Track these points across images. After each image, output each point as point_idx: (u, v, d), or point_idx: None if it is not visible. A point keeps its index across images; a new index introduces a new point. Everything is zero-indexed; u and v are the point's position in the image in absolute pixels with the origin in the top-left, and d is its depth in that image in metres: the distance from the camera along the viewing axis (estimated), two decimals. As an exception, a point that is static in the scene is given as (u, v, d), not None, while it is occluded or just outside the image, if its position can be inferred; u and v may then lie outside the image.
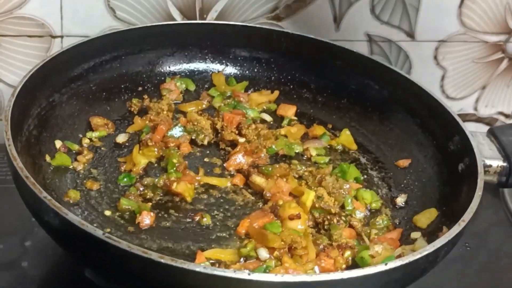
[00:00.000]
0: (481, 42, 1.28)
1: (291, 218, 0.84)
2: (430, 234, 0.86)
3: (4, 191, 1.02)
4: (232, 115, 1.04)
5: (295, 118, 1.09)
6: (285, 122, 1.08)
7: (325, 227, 0.87)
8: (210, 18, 1.17)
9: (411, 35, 1.25)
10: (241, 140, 1.01)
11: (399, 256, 0.79)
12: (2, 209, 0.99)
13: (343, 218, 0.88)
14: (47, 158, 0.91)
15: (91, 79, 1.03)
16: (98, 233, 0.66)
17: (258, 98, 1.11)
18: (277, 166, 0.95)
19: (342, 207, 0.91)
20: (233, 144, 1.01)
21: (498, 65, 1.32)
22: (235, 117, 1.03)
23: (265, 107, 1.11)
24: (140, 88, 1.09)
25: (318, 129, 1.06)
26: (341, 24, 1.21)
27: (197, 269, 0.64)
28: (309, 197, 0.88)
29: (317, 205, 0.88)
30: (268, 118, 1.09)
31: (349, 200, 0.90)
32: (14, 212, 0.97)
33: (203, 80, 1.13)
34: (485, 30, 1.27)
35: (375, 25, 1.23)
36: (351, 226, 0.88)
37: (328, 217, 0.87)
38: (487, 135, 0.94)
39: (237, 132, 1.03)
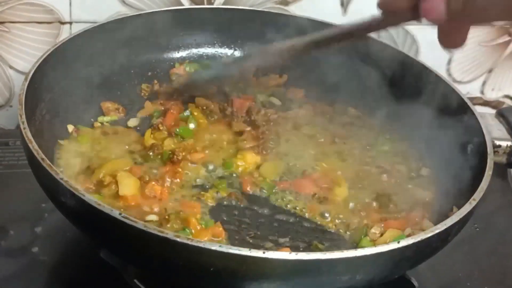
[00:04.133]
0: (487, 25, 1.28)
1: None
2: (440, 214, 0.87)
3: (14, 176, 1.03)
4: (242, 100, 1.04)
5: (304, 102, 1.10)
6: (293, 105, 1.09)
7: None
8: (218, 3, 1.17)
9: (418, 18, 1.25)
10: (247, 128, 1.01)
11: (409, 235, 0.80)
12: (13, 194, 1.00)
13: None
14: (60, 142, 0.92)
15: (101, 64, 1.03)
16: (115, 213, 0.67)
17: (267, 82, 1.11)
18: None
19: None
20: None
21: (504, 48, 1.32)
22: (244, 102, 1.04)
23: (274, 91, 1.11)
24: (149, 73, 1.09)
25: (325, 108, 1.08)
26: (348, 8, 1.21)
27: (213, 248, 0.65)
28: (343, 193, 0.90)
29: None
30: (277, 102, 1.09)
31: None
32: (25, 198, 0.98)
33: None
34: (492, 13, 1.27)
35: (382, 9, 1.23)
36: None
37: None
38: (496, 116, 0.95)
39: (247, 118, 1.03)
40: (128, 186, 0.86)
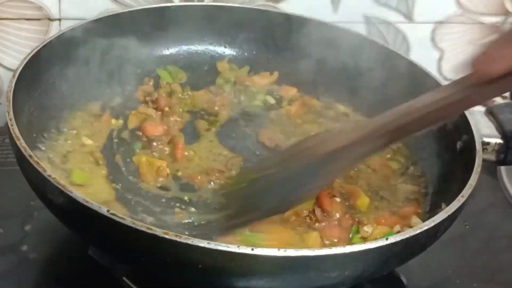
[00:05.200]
0: (478, 23, 1.29)
1: None
2: (429, 212, 0.87)
3: (3, 174, 1.03)
4: None
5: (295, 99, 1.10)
6: (284, 102, 1.09)
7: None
8: (208, 0, 1.17)
9: (408, 16, 1.25)
10: None
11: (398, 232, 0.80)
12: (2, 192, 1.00)
13: None
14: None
15: (90, 61, 1.02)
16: (103, 210, 0.67)
17: (260, 80, 1.12)
18: None
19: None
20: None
21: (495, 46, 1.32)
22: None
23: (268, 89, 1.12)
24: (139, 70, 1.09)
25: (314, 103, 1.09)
26: (339, 5, 1.21)
27: (201, 245, 0.65)
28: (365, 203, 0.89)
29: None
30: (272, 100, 1.10)
31: None
32: (14, 196, 0.98)
33: (202, 62, 1.13)
34: (482, 11, 1.28)
35: (372, 6, 1.23)
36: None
37: None
38: (485, 114, 0.95)
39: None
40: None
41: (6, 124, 0.79)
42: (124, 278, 0.81)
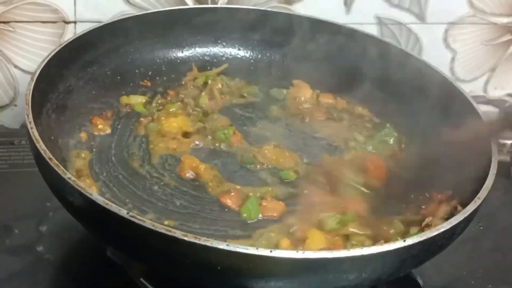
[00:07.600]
0: (490, 24, 1.29)
1: None
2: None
3: (19, 175, 1.03)
4: None
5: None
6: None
7: None
8: (222, 2, 1.18)
9: (421, 17, 1.25)
10: None
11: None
12: (17, 193, 1.01)
13: None
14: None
15: (105, 63, 1.03)
16: (123, 212, 0.67)
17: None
18: None
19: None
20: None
21: (507, 47, 1.32)
22: None
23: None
24: (150, 73, 1.09)
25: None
26: (352, 7, 1.22)
27: (220, 246, 0.65)
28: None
29: None
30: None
31: None
32: (29, 197, 0.98)
33: (217, 64, 1.14)
34: (494, 12, 1.27)
35: (385, 7, 1.23)
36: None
37: None
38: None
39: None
40: None
41: (22, 126, 0.80)
42: (141, 279, 0.81)
